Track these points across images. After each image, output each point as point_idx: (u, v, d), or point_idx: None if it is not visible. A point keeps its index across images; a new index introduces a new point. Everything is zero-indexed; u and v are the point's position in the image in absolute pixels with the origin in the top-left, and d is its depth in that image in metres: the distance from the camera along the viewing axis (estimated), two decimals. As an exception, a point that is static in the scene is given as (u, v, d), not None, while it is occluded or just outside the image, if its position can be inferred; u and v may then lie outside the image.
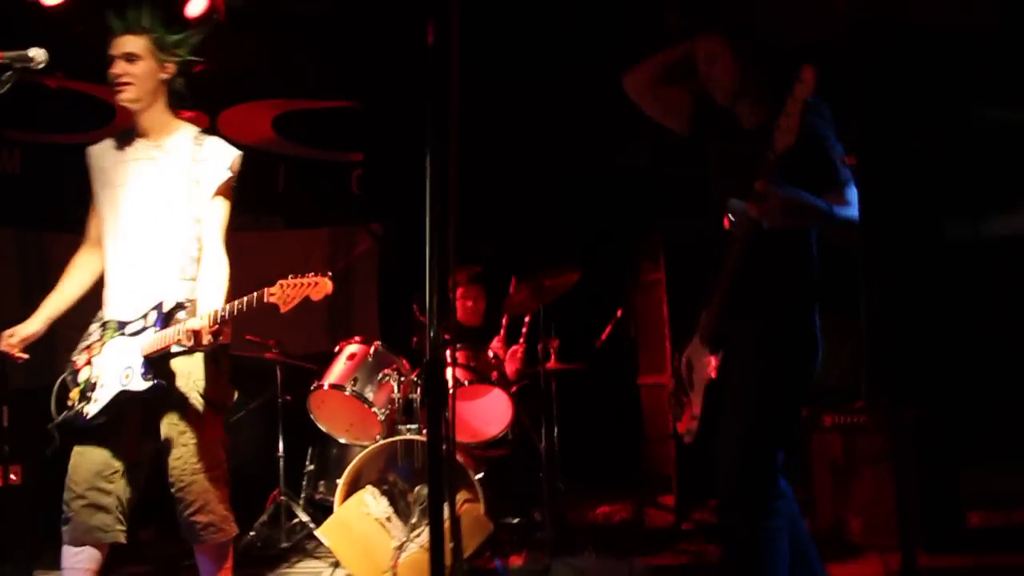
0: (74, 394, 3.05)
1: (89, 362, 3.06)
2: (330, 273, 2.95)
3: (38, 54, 2.69)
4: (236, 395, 3.24)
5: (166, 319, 2.97)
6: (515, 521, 4.95)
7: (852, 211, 2.63)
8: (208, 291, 3.02)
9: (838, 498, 4.59)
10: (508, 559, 4.60)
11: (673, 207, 7.11)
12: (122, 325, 3.05)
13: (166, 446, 3.02)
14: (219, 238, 3.14)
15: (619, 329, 5.54)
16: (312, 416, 4.77)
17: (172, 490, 3.02)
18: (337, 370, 4.70)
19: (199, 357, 3.06)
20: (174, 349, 2.98)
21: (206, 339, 2.86)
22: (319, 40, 6.05)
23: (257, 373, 5.31)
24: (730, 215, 2.73)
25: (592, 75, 6.36)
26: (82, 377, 3.05)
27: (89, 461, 2.99)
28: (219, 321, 2.88)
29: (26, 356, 3.11)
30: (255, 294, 2.92)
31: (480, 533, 4.12)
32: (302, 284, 2.92)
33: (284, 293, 2.92)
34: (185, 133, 3.19)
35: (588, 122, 6.98)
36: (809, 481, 4.71)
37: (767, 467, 2.74)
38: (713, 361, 2.86)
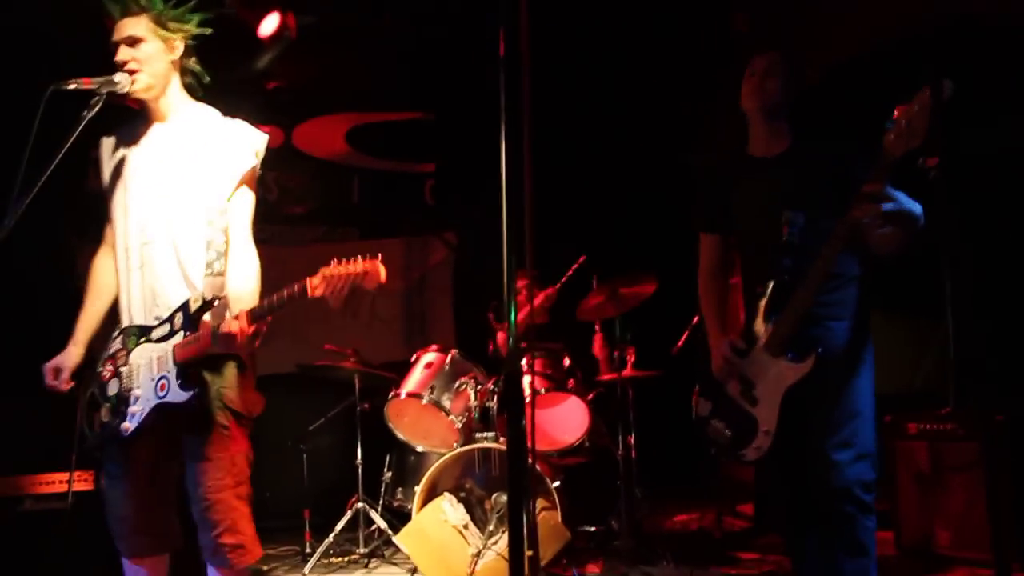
0: (105, 411, 2.82)
1: (115, 374, 2.82)
2: (380, 255, 2.61)
3: (123, 79, 2.75)
4: (263, 407, 2.91)
5: (195, 321, 2.67)
6: (592, 529, 4.93)
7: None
8: (238, 289, 2.76)
9: (925, 509, 4.44)
10: (585, 567, 4.57)
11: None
12: (144, 331, 2.79)
13: (190, 461, 2.74)
14: (247, 230, 2.85)
15: (695, 335, 5.47)
16: (390, 424, 4.82)
17: (196, 508, 2.73)
18: (414, 379, 4.74)
19: (223, 365, 2.77)
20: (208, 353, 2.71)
21: (242, 341, 2.59)
22: (390, 53, 6.12)
23: (336, 382, 5.39)
24: (790, 224, 2.84)
25: (665, 77, 6.34)
26: (111, 391, 2.81)
27: (131, 483, 2.79)
28: (254, 320, 2.61)
29: (73, 384, 2.89)
30: (295, 286, 2.58)
31: (557, 541, 4.11)
32: (348, 273, 2.57)
33: (330, 284, 2.56)
34: (204, 116, 2.92)
35: (663, 125, 6.94)
36: (894, 492, 4.57)
37: (875, 468, 2.80)
38: (802, 367, 2.81)
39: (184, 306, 2.71)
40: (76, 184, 3.00)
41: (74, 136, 2.70)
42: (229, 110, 3.01)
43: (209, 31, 2.92)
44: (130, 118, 2.95)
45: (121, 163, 2.91)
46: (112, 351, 2.85)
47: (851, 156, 2.80)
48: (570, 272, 5.32)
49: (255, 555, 2.78)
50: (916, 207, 2.64)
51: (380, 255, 2.61)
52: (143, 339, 2.78)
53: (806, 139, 3.02)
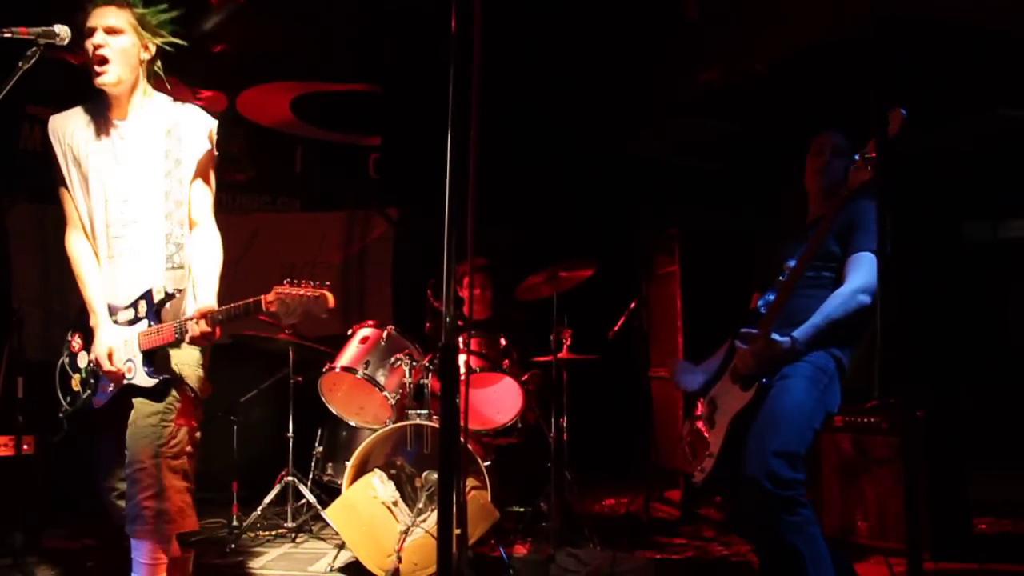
0: (76, 380, 2.96)
1: (84, 347, 2.94)
2: (329, 284, 2.76)
3: (63, 30, 2.67)
4: (210, 391, 2.99)
5: (157, 312, 2.82)
6: (521, 510, 4.97)
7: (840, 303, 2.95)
8: (204, 278, 2.85)
9: (846, 499, 4.58)
10: (513, 548, 4.62)
11: (689, 200, 7.12)
12: (112, 311, 2.89)
13: (134, 423, 2.79)
14: (209, 213, 2.96)
15: (632, 321, 5.53)
16: (323, 398, 4.78)
17: (127, 469, 2.76)
18: (349, 353, 4.71)
19: (185, 345, 2.87)
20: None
21: (204, 342, 2.79)
22: (340, 22, 6.05)
23: (270, 354, 5.34)
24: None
25: (612, 63, 6.37)
26: (82, 363, 2.94)
27: (108, 453, 2.89)
28: (215, 324, 2.74)
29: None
30: (252, 302, 2.74)
31: (486, 520, 4.13)
32: (301, 296, 2.70)
33: (283, 305, 2.70)
34: (159, 107, 2.94)
35: (605, 111, 6.97)
36: (818, 481, 4.70)
37: (800, 465, 2.86)
38: (746, 396, 2.97)
39: (147, 295, 2.82)
40: (7, 140, 2.92)
41: (7, 88, 2.62)
42: (174, 72, 3.00)
43: (184, 43, 2.95)
44: (79, 92, 2.93)
45: (79, 153, 2.91)
46: (83, 324, 2.94)
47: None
48: (623, 319, 5.42)
49: (181, 526, 2.78)
50: (816, 323, 2.92)
51: (329, 283, 2.75)
52: (112, 318, 2.88)
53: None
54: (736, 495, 2.97)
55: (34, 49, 2.64)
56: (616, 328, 5.44)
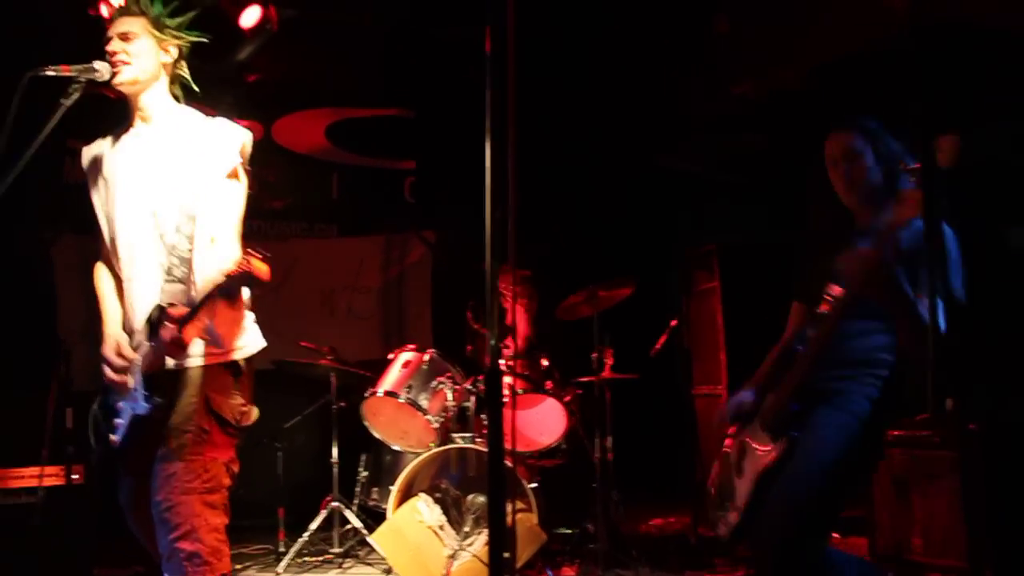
0: (103, 419, 2.78)
1: (108, 384, 2.76)
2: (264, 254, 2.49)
3: (103, 67, 2.70)
4: (254, 417, 2.80)
5: (156, 331, 2.58)
6: (568, 532, 4.92)
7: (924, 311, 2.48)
8: (204, 283, 2.63)
9: (900, 516, 4.46)
10: (560, 570, 4.57)
11: (728, 214, 7.06)
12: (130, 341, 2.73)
13: (160, 460, 2.59)
14: (232, 226, 2.75)
15: (673, 339, 5.48)
16: (366, 423, 4.78)
17: (155, 510, 2.56)
18: (391, 377, 4.71)
19: (214, 369, 2.69)
20: (171, 363, 2.61)
21: (175, 351, 2.53)
22: (372, 48, 6.10)
23: (312, 380, 5.35)
24: (831, 299, 2.68)
25: (645, 79, 6.36)
26: (110, 401, 2.76)
27: (133, 495, 2.73)
28: (183, 324, 2.49)
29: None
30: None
31: (533, 543, 4.10)
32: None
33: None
34: (188, 119, 2.84)
35: (640, 128, 6.95)
36: (869, 498, 4.59)
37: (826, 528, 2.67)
38: (775, 449, 2.72)
39: (149, 315, 2.64)
40: (52, 174, 2.95)
41: (51, 125, 2.65)
42: (208, 103, 2.96)
43: (206, 39, 2.89)
44: (112, 119, 2.88)
45: (106, 171, 2.83)
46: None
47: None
48: (664, 337, 5.34)
49: (216, 570, 2.55)
50: (907, 289, 2.51)
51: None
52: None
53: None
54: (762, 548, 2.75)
55: (76, 86, 2.67)
56: (658, 346, 5.39)
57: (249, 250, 2.49)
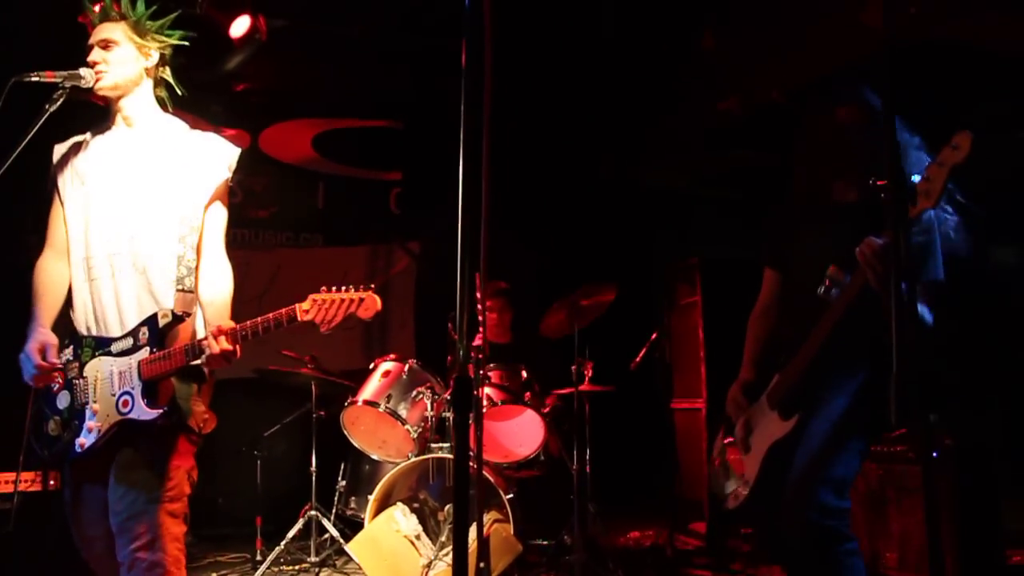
0: (54, 424, 2.68)
1: (64, 386, 2.69)
2: (373, 286, 2.60)
3: (88, 73, 2.71)
4: (214, 425, 2.76)
5: (162, 337, 2.59)
6: (545, 543, 4.94)
7: None
8: (216, 302, 2.72)
9: (873, 529, 4.51)
10: (537, 581, 4.58)
11: (710, 228, 7.12)
12: (101, 343, 2.67)
13: (123, 468, 2.57)
14: (221, 241, 2.80)
15: (654, 352, 5.51)
16: (346, 432, 4.79)
17: (116, 520, 2.53)
18: (372, 387, 4.72)
19: (182, 377, 2.67)
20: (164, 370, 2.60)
21: (222, 363, 2.56)
22: (360, 60, 6.13)
23: (292, 388, 5.36)
24: (832, 282, 2.72)
25: (629, 93, 6.41)
26: (61, 404, 2.68)
27: (92, 502, 2.67)
28: (239, 340, 2.56)
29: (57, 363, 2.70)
30: (284, 312, 2.56)
31: (509, 553, 4.11)
32: (342, 301, 2.55)
33: (321, 311, 2.55)
34: (173, 127, 2.85)
35: (622, 142, 7.01)
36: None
37: (846, 493, 2.73)
38: (785, 425, 2.81)
39: (151, 320, 2.62)
40: (36, 180, 2.95)
41: (34, 130, 2.66)
42: (196, 111, 2.98)
43: (187, 44, 2.88)
44: (92, 121, 2.87)
45: (82, 168, 2.81)
46: (61, 361, 2.71)
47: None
48: (645, 350, 5.39)
49: None
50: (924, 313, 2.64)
51: (373, 286, 2.60)
52: (100, 351, 2.67)
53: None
54: (772, 522, 2.83)
55: (60, 92, 2.68)
56: (638, 359, 5.42)
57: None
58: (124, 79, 2.76)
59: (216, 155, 2.81)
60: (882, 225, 2.52)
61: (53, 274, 2.82)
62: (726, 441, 3.11)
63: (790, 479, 2.74)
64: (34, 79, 2.65)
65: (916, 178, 2.45)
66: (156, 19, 2.83)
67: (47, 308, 2.78)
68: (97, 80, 2.72)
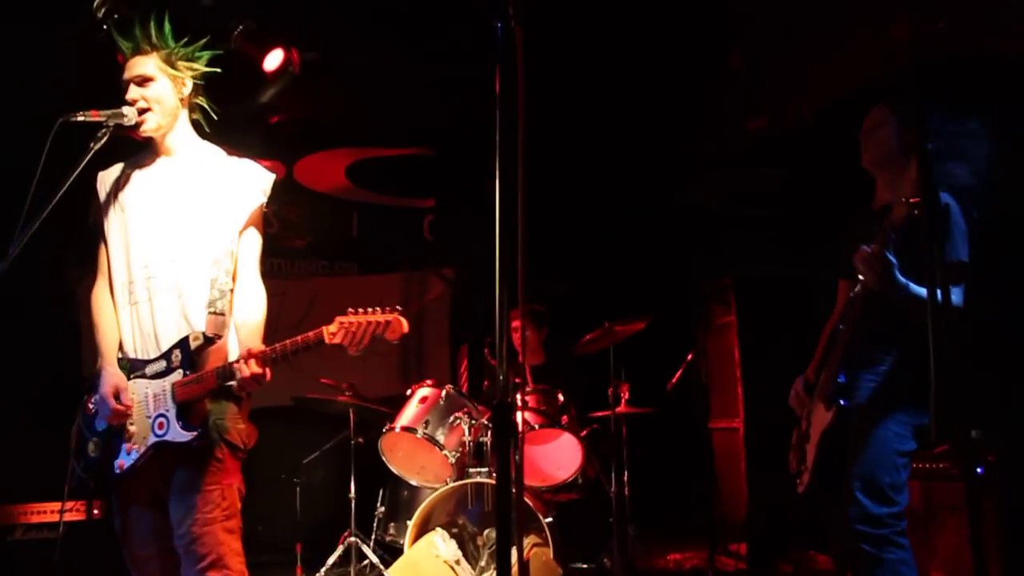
0: (93, 445, 2.76)
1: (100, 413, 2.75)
2: (399, 308, 2.63)
3: (131, 112, 2.77)
4: (256, 438, 2.84)
5: (194, 359, 2.67)
6: (585, 566, 4.92)
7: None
8: (249, 326, 2.78)
9: (918, 549, 4.42)
10: (578, 605, 4.56)
11: (744, 248, 7.09)
12: (136, 365, 2.75)
13: (178, 492, 2.66)
14: (255, 266, 2.87)
15: (690, 373, 5.49)
16: (384, 458, 4.82)
17: (180, 542, 2.62)
18: (409, 413, 4.75)
19: (221, 396, 2.74)
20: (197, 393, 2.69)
21: (253, 386, 2.63)
22: (392, 89, 6.21)
23: (330, 416, 5.40)
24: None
25: (659, 115, 6.43)
26: (100, 426, 2.75)
27: (140, 523, 2.76)
28: (269, 363, 2.61)
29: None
30: (312, 334, 2.61)
31: (550, 577, 4.10)
32: (368, 323, 2.59)
33: (348, 333, 2.60)
34: (211, 154, 2.93)
35: (654, 163, 7.01)
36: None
37: (892, 496, 2.90)
38: (827, 415, 3.05)
39: (183, 343, 2.69)
40: (79, 216, 3.02)
41: (80, 167, 2.74)
42: (232, 144, 3.04)
43: (218, 70, 2.94)
44: (132, 151, 2.94)
45: (123, 196, 2.88)
46: (97, 386, 2.77)
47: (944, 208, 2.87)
48: (681, 371, 5.42)
49: None
50: (912, 288, 2.82)
51: (399, 308, 2.64)
52: (135, 374, 2.74)
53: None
54: (835, 508, 3.04)
55: (104, 131, 2.75)
56: (674, 380, 5.41)
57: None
58: (166, 116, 2.83)
59: (252, 181, 2.88)
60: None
61: (106, 304, 2.88)
62: (799, 431, 3.33)
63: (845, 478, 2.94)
64: (80, 119, 2.70)
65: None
66: (186, 47, 2.88)
67: (110, 341, 2.84)
68: (141, 124, 2.78)
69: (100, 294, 2.90)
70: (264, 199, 2.90)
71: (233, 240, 2.82)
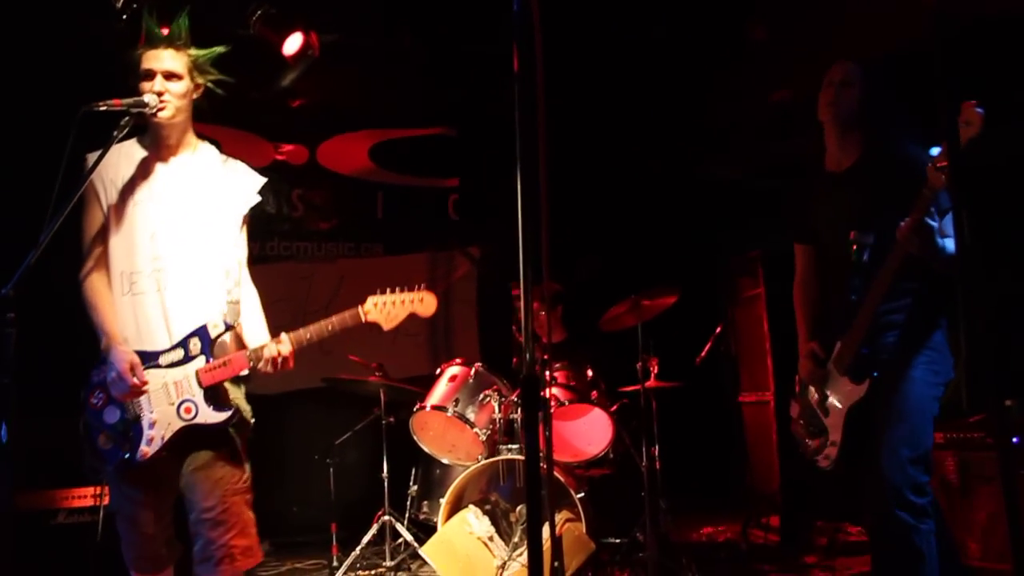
0: (104, 438, 2.82)
1: (109, 401, 2.81)
2: (424, 285, 2.93)
3: (152, 100, 2.82)
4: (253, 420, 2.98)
5: (213, 346, 2.81)
6: (617, 541, 4.93)
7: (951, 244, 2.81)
8: (253, 317, 3.00)
9: (953, 520, 4.40)
10: (611, 579, 4.58)
11: (771, 220, 7.03)
12: (147, 357, 2.80)
13: (203, 468, 2.81)
14: (245, 265, 3.04)
15: (719, 346, 5.47)
16: (415, 437, 4.85)
17: (208, 514, 2.77)
18: (439, 391, 4.77)
19: (237, 380, 2.92)
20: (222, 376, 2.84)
21: (278, 368, 2.81)
22: (412, 70, 6.21)
23: (361, 396, 5.44)
24: (859, 245, 2.95)
25: (683, 88, 6.38)
26: (109, 419, 2.81)
27: (156, 502, 2.88)
28: (303, 344, 2.83)
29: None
30: (347, 314, 2.85)
31: (582, 552, 4.12)
32: (403, 301, 2.89)
33: (383, 311, 2.88)
34: (209, 152, 3.05)
35: (679, 137, 6.96)
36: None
37: (927, 470, 2.90)
38: (859, 388, 2.99)
39: (201, 331, 2.82)
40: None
41: (103, 155, 2.77)
42: (255, 128, 3.10)
43: (230, 80, 3.04)
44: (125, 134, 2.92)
45: (123, 184, 2.92)
46: (102, 378, 2.82)
47: (921, 165, 2.76)
48: (710, 344, 5.45)
49: (258, 558, 2.90)
50: (942, 242, 2.80)
51: (424, 284, 2.92)
52: (147, 365, 2.80)
53: (875, 151, 3.07)
54: (864, 479, 3.02)
55: (127, 119, 2.79)
56: (703, 354, 5.39)
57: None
58: (182, 114, 2.92)
59: (249, 182, 3.04)
60: (887, 182, 2.92)
61: (103, 287, 2.93)
62: (804, 403, 3.28)
63: (881, 454, 2.90)
64: (102, 108, 2.72)
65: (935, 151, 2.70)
66: (208, 55, 2.98)
67: (112, 320, 2.88)
68: (161, 110, 2.85)
69: (96, 277, 2.94)
70: (259, 199, 3.05)
71: (238, 233, 2.99)
